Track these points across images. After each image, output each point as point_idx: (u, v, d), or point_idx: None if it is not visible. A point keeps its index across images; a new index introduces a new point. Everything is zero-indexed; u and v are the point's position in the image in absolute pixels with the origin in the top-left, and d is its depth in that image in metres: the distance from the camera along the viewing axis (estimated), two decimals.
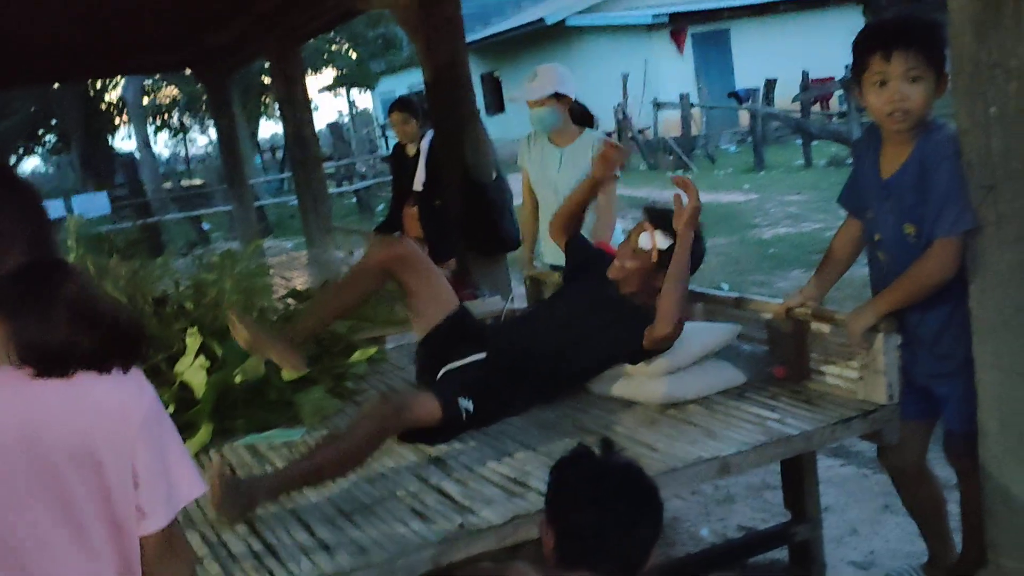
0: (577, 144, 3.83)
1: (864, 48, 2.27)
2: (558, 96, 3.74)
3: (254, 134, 25.19)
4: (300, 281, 6.08)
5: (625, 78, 18.22)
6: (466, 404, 2.61)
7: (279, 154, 24.12)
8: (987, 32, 1.96)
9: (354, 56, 24.37)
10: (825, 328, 2.60)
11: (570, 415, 2.77)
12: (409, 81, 23.79)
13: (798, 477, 2.72)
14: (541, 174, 3.94)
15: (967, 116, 2.06)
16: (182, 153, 34.29)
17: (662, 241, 2.78)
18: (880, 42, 2.23)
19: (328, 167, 16.96)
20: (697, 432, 2.47)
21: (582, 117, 3.90)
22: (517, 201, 4.49)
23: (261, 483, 2.34)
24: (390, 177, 6.71)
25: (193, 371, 3.08)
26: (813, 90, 16.40)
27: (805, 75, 16.03)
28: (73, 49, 6.82)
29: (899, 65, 2.19)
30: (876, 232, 2.42)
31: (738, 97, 18.81)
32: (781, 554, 2.89)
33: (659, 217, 2.79)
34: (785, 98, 17.43)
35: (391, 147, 6.85)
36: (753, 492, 3.45)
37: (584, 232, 3.78)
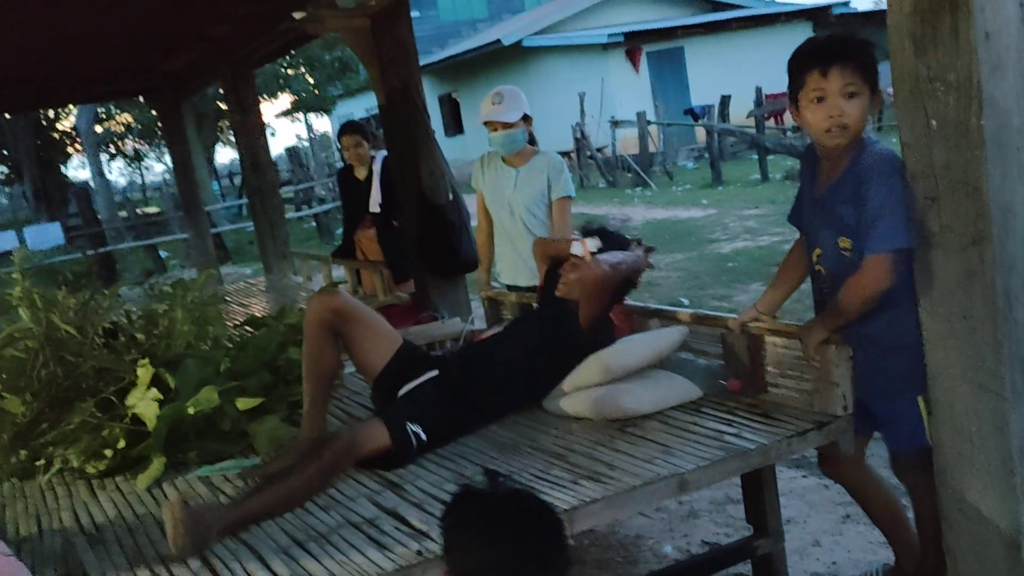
0: (531, 164, 3.84)
1: (800, 66, 2.31)
2: (526, 117, 3.76)
3: (211, 160, 24.96)
4: (258, 308, 6.01)
5: (582, 97, 18.35)
6: (415, 429, 2.63)
7: (237, 180, 23.91)
8: (925, 47, 1.99)
9: (311, 80, 24.28)
10: (779, 341, 2.61)
11: (526, 435, 2.76)
12: (367, 104, 23.76)
13: (759, 490, 2.72)
14: (496, 194, 3.94)
15: (909, 130, 2.09)
16: (138, 181, 33.86)
17: (592, 244, 2.97)
18: (817, 59, 2.27)
19: (287, 191, 16.85)
20: (655, 449, 2.46)
21: (531, 138, 3.91)
22: (475, 222, 4.48)
23: (215, 521, 2.27)
24: None
25: (145, 403, 3.01)
26: (767, 105, 16.66)
27: (759, 91, 16.28)
28: (24, 78, 6.71)
29: (836, 81, 2.23)
30: (815, 247, 2.46)
31: (694, 114, 19.06)
32: (745, 568, 2.89)
33: (587, 229, 3.09)
34: (740, 114, 17.69)
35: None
36: (716, 507, 3.45)
37: None
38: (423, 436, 2.63)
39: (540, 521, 1.59)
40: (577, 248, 2.95)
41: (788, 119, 18.12)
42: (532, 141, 3.88)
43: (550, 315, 3.04)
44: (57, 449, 3.09)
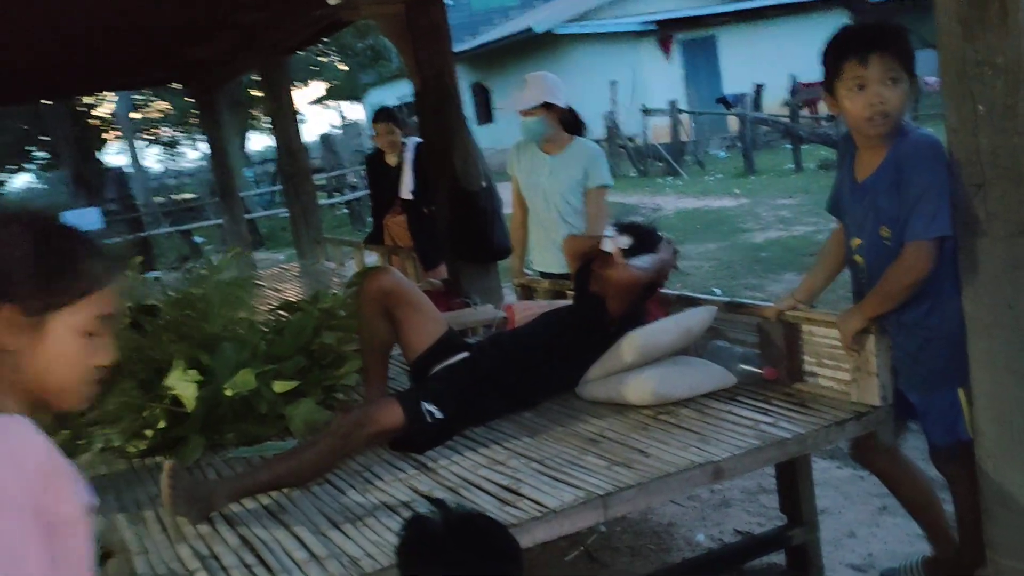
0: (567, 152, 3.82)
1: (838, 54, 2.27)
2: (547, 105, 3.73)
3: (244, 147, 25.17)
4: (291, 293, 6.06)
5: (613, 86, 18.25)
6: (430, 408, 2.64)
7: (270, 167, 24.09)
8: (974, 30, 1.96)
9: (343, 68, 24.37)
10: (817, 330, 2.59)
11: (559, 421, 2.76)
12: (398, 92, 23.79)
13: (793, 480, 2.70)
14: (531, 182, 3.93)
15: (955, 115, 2.05)
16: (173, 167, 34.22)
17: (623, 242, 2.99)
18: (856, 47, 2.23)
19: (319, 178, 16.95)
20: (689, 437, 2.46)
21: (573, 125, 3.89)
22: (507, 209, 4.48)
23: (221, 487, 2.40)
24: None
25: (184, 385, 3.05)
26: (802, 94, 16.46)
27: (793, 79, 16.09)
28: (62, 66, 6.80)
29: (877, 68, 2.19)
30: (854, 236, 2.43)
31: (726, 103, 18.88)
32: (778, 558, 2.88)
33: (620, 226, 3.10)
34: (774, 103, 17.50)
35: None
36: (749, 496, 3.44)
37: None
38: (438, 415, 2.64)
39: (495, 546, 1.56)
40: (608, 245, 2.99)
41: (823, 108, 17.90)
42: (573, 129, 3.86)
43: (582, 307, 3.07)
44: (99, 429, 3.15)
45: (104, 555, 2.28)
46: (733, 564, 2.87)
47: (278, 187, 21.03)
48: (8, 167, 25.08)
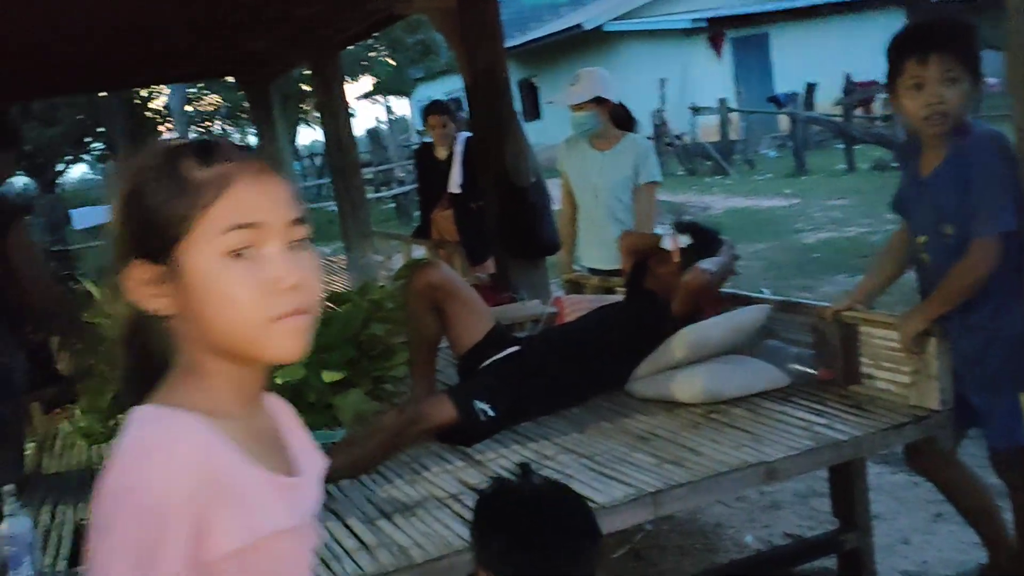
0: (618, 148, 3.80)
1: (899, 53, 2.24)
2: (599, 100, 3.71)
3: (293, 140, 25.45)
4: (339, 285, 6.11)
5: (663, 83, 18.11)
6: (482, 406, 2.65)
7: (317, 160, 24.33)
8: None
9: (392, 63, 24.51)
10: (875, 332, 2.54)
11: (609, 418, 2.74)
12: (447, 87, 23.85)
13: (847, 483, 2.65)
14: (581, 177, 3.91)
15: (1022, 112, 2.00)
16: None
17: (683, 240, 2.99)
18: (915, 46, 2.20)
19: (367, 173, 17.07)
20: (742, 436, 2.42)
21: (624, 121, 3.86)
22: (556, 205, 4.47)
23: None
24: None
25: None
26: (856, 94, 16.17)
27: (848, 78, 15.81)
28: (119, 58, 6.92)
29: (936, 68, 2.15)
30: (918, 234, 2.38)
31: (777, 101, 18.61)
32: (830, 562, 2.83)
33: (680, 224, 3.09)
34: (826, 102, 17.21)
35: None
36: (799, 499, 3.38)
37: None
38: (490, 411, 2.64)
39: (576, 515, 1.56)
40: (668, 243, 2.97)
41: (877, 107, 17.59)
42: (624, 125, 3.84)
43: (637, 305, 3.04)
44: None
45: None
46: (783, 567, 2.82)
47: (325, 180, 21.27)
48: (66, 157, 25.66)
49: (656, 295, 2.95)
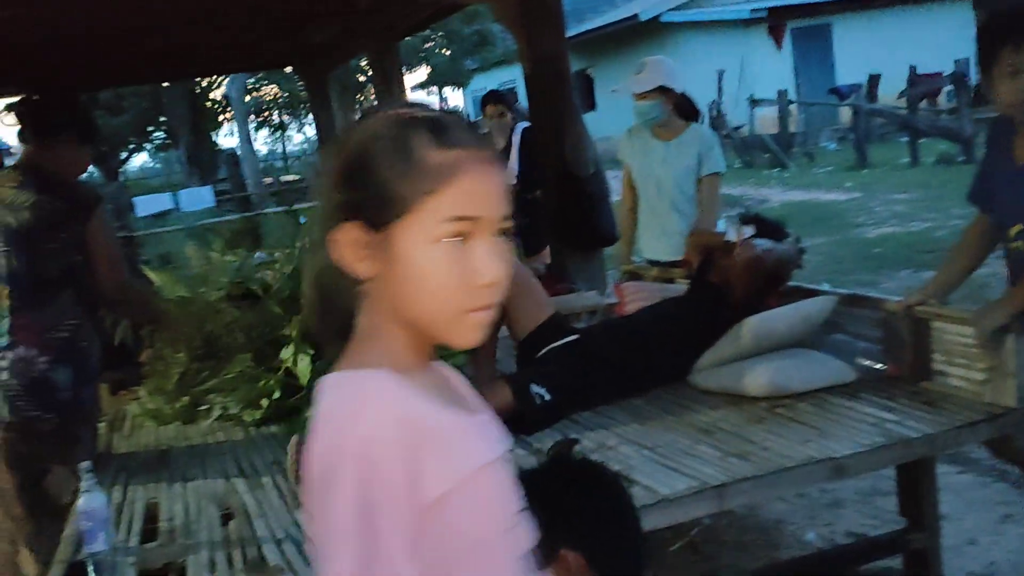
0: (682, 139, 3.76)
1: (993, 39, 2.19)
2: (663, 90, 3.67)
3: None
4: None
5: (721, 75, 17.88)
6: (538, 391, 2.63)
7: None
8: None
9: (447, 53, 24.61)
10: (948, 327, 2.48)
11: (671, 410, 2.72)
12: (502, 78, 23.87)
13: (915, 482, 2.60)
14: (644, 168, 3.88)
15: None
16: (279, 150, 35.24)
17: (747, 230, 2.97)
18: (1011, 33, 2.14)
19: None
20: (808, 431, 2.38)
21: (689, 111, 3.82)
22: (615, 197, 4.44)
23: None
24: None
25: (298, 358, 3.13)
26: (920, 85, 15.79)
27: (912, 70, 15.44)
28: (182, 49, 7.05)
29: None
30: (1010, 223, 2.31)
31: (839, 93, 18.25)
32: (894, 562, 2.77)
33: (744, 216, 3.08)
34: (890, 94, 16.84)
35: None
36: (863, 497, 3.32)
37: (687, 228, 3.74)
38: (547, 397, 2.64)
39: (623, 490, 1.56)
40: (732, 233, 2.96)
41: (943, 100, 17.17)
42: (688, 115, 3.80)
43: (701, 296, 3.03)
44: (217, 397, 3.26)
45: (225, 516, 2.36)
46: (847, 566, 2.78)
47: None
48: (129, 145, 26.24)
49: (720, 287, 2.92)
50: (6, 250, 2.75)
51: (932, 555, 2.64)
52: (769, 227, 3.02)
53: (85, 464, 2.21)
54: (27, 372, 2.69)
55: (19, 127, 3.04)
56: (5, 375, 2.70)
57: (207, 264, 3.49)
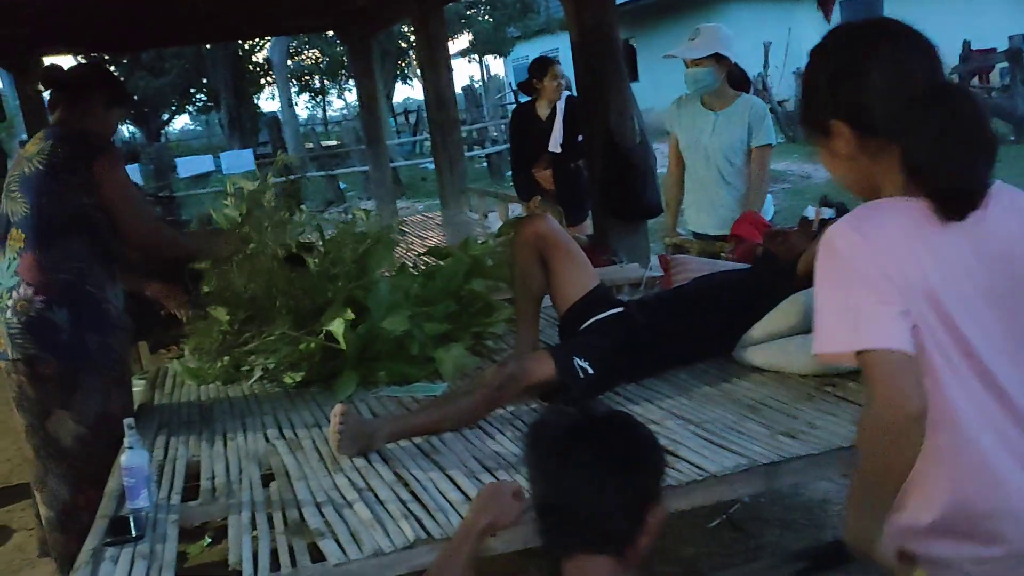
0: (733, 108, 3.68)
1: None
2: (718, 57, 3.58)
3: (390, 97, 25.67)
4: (434, 241, 6.13)
5: (767, 47, 17.54)
6: (582, 364, 2.61)
7: (412, 117, 24.51)
8: None
9: (490, 21, 24.41)
10: None
11: (717, 385, 2.68)
12: (543, 47, 23.62)
13: None
14: (692, 138, 3.80)
15: None
16: (319, 115, 35.33)
17: (826, 212, 2.93)
18: None
19: (461, 130, 17.13)
20: (858, 411, 2.31)
21: (740, 81, 3.73)
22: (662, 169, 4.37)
23: (381, 428, 2.46)
24: None
25: (339, 321, 3.12)
26: (973, 61, 15.37)
27: (966, 45, 15.03)
28: (225, 9, 7.04)
29: None
30: None
31: None
32: None
33: (826, 199, 3.08)
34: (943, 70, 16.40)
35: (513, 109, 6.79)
36: None
37: (735, 202, 3.67)
38: (591, 370, 2.61)
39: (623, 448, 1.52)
40: (810, 212, 2.92)
41: (995, 78, 16.71)
42: (740, 85, 3.71)
43: (756, 269, 2.97)
44: (258, 358, 3.27)
45: (265, 477, 2.36)
46: None
47: (419, 137, 21.42)
48: (171, 106, 26.43)
49: (777, 259, 2.85)
50: (21, 196, 2.78)
51: None
52: (828, 200, 2.98)
53: (128, 420, 2.22)
54: (26, 311, 2.71)
55: (49, 92, 3.08)
56: (8, 313, 2.74)
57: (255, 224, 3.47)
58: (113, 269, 2.88)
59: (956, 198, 1.33)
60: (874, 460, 1.36)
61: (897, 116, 1.35)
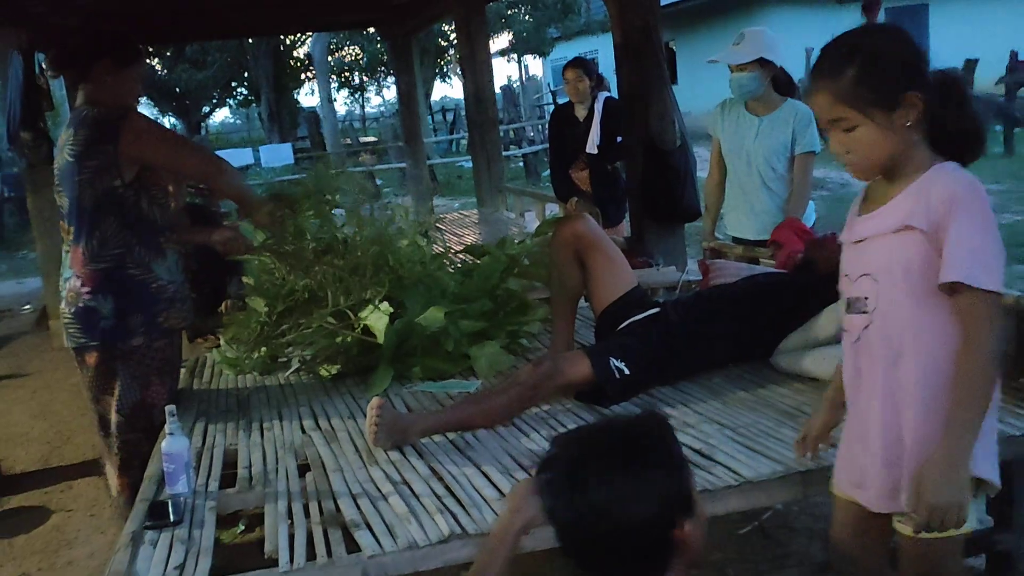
0: (777, 114, 3.65)
1: None
2: (763, 62, 3.55)
3: (427, 95, 25.76)
4: (471, 239, 6.15)
5: (809, 53, 17.35)
6: (618, 364, 2.61)
7: (449, 116, 24.58)
8: None
9: (531, 20, 24.40)
10: None
11: (752, 390, 2.67)
12: (583, 48, 23.57)
13: (1009, 483, 2.48)
14: (735, 143, 3.77)
15: None
16: (357, 111, 35.54)
17: None
18: None
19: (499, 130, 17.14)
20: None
21: (785, 86, 3.70)
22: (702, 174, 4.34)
23: (417, 422, 2.49)
24: None
25: (376, 316, 3.14)
26: (1020, 72, 15.08)
27: (1013, 55, 14.74)
28: (269, 4, 7.11)
29: None
30: None
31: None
32: (977, 562, 2.67)
33: None
34: (988, 80, 16.13)
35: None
36: None
37: (776, 207, 3.64)
38: (626, 371, 2.61)
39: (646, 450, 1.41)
40: None
41: None
42: (785, 89, 3.67)
43: (795, 276, 2.94)
44: (296, 350, 3.30)
45: (301, 467, 2.39)
46: None
47: (456, 136, 21.48)
48: (212, 100, 26.72)
49: (817, 265, 2.82)
50: (62, 190, 2.82)
51: (1018, 558, 2.53)
52: None
53: (169, 407, 2.26)
54: (75, 301, 2.77)
55: (61, 77, 3.05)
56: (63, 304, 2.81)
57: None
58: (158, 244, 2.83)
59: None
60: (984, 390, 1.59)
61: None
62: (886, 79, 1.62)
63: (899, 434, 1.67)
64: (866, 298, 1.69)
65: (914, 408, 1.64)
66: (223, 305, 3.95)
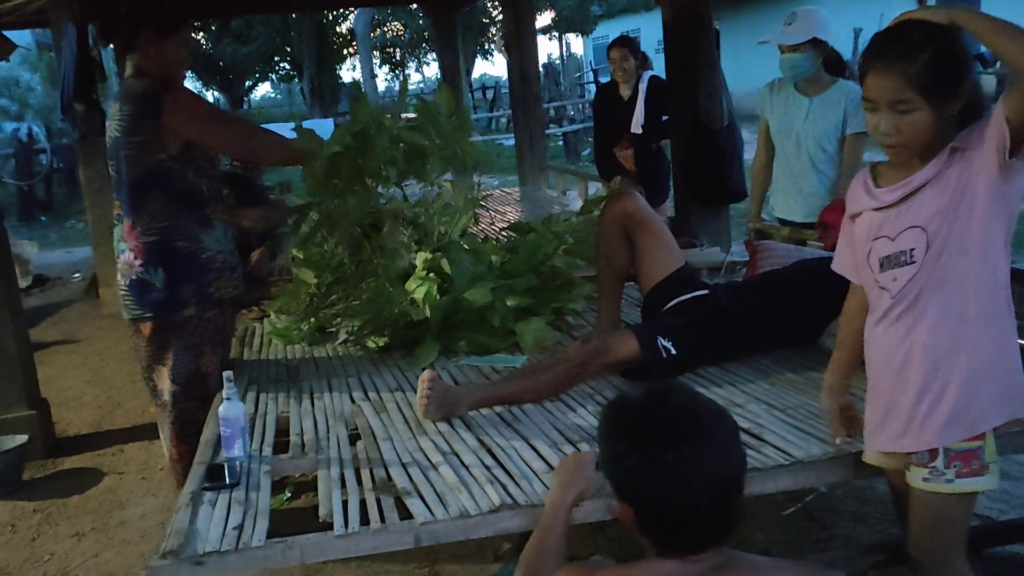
0: (828, 95, 3.60)
1: None
2: (816, 42, 3.51)
3: (468, 72, 25.71)
4: (513, 216, 6.16)
5: (857, 33, 17.04)
6: (666, 344, 2.62)
7: (489, 94, 24.51)
8: None
9: None
10: None
11: (800, 372, 2.65)
12: (626, 26, 23.38)
13: None
14: (784, 124, 3.73)
15: None
16: (397, 87, 35.56)
17: None
18: None
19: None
20: None
21: (836, 66, 3.65)
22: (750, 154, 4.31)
23: (466, 395, 2.51)
24: None
25: (423, 289, 3.18)
26: None
27: None
28: None
29: None
30: None
31: (984, 60, 17.13)
32: (1022, 549, 2.66)
33: None
34: None
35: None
36: None
37: (824, 189, 3.61)
38: (673, 351, 2.62)
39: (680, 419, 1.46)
40: None
41: None
42: (835, 69, 3.62)
43: None
44: (344, 322, 3.35)
45: (351, 436, 2.43)
46: (972, 548, 2.67)
47: (496, 113, 21.42)
48: (255, 74, 26.88)
49: None
50: (112, 164, 2.88)
51: None
52: None
53: (227, 372, 2.31)
54: (128, 274, 2.84)
55: (110, 48, 3.10)
56: (119, 276, 2.88)
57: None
58: (205, 215, 2.87)
59: None
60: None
61: None
62: (955, 70, 1.72)
63: (946, 360, 1.77)
64: (912, 249, 1.76)
65: (973, 326, 1.75)
66: (251, 259, 4.08)
